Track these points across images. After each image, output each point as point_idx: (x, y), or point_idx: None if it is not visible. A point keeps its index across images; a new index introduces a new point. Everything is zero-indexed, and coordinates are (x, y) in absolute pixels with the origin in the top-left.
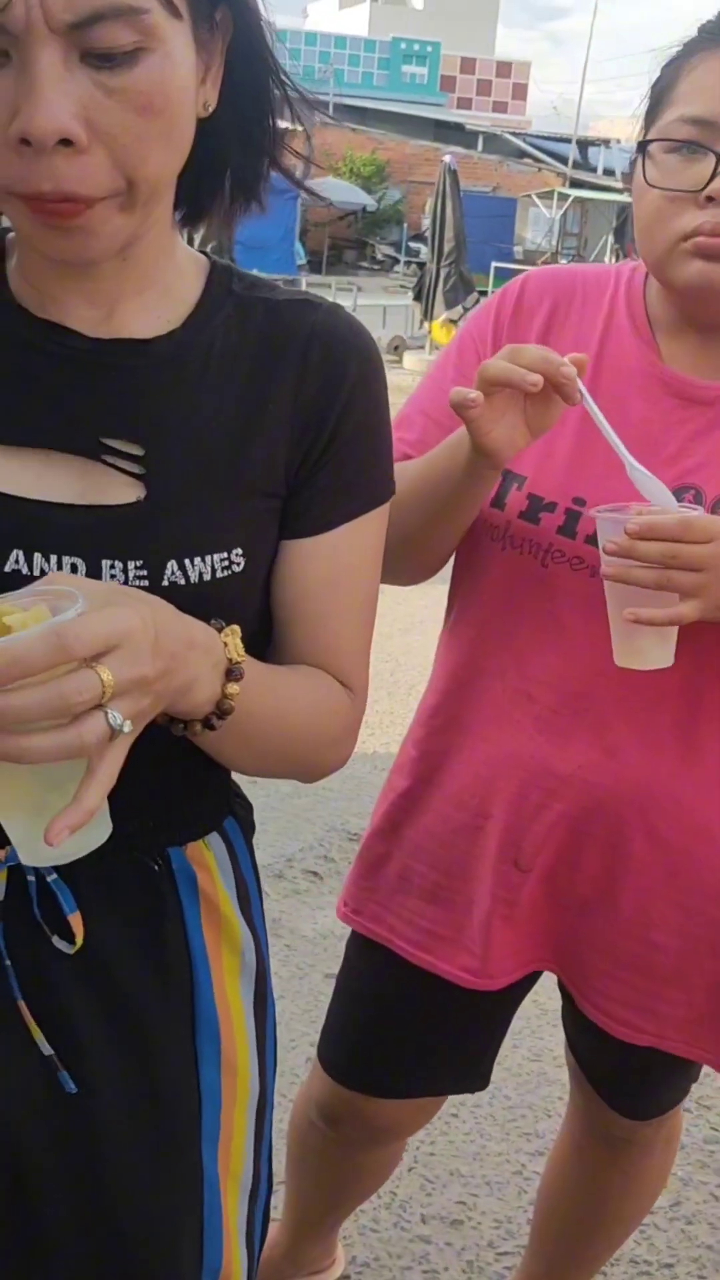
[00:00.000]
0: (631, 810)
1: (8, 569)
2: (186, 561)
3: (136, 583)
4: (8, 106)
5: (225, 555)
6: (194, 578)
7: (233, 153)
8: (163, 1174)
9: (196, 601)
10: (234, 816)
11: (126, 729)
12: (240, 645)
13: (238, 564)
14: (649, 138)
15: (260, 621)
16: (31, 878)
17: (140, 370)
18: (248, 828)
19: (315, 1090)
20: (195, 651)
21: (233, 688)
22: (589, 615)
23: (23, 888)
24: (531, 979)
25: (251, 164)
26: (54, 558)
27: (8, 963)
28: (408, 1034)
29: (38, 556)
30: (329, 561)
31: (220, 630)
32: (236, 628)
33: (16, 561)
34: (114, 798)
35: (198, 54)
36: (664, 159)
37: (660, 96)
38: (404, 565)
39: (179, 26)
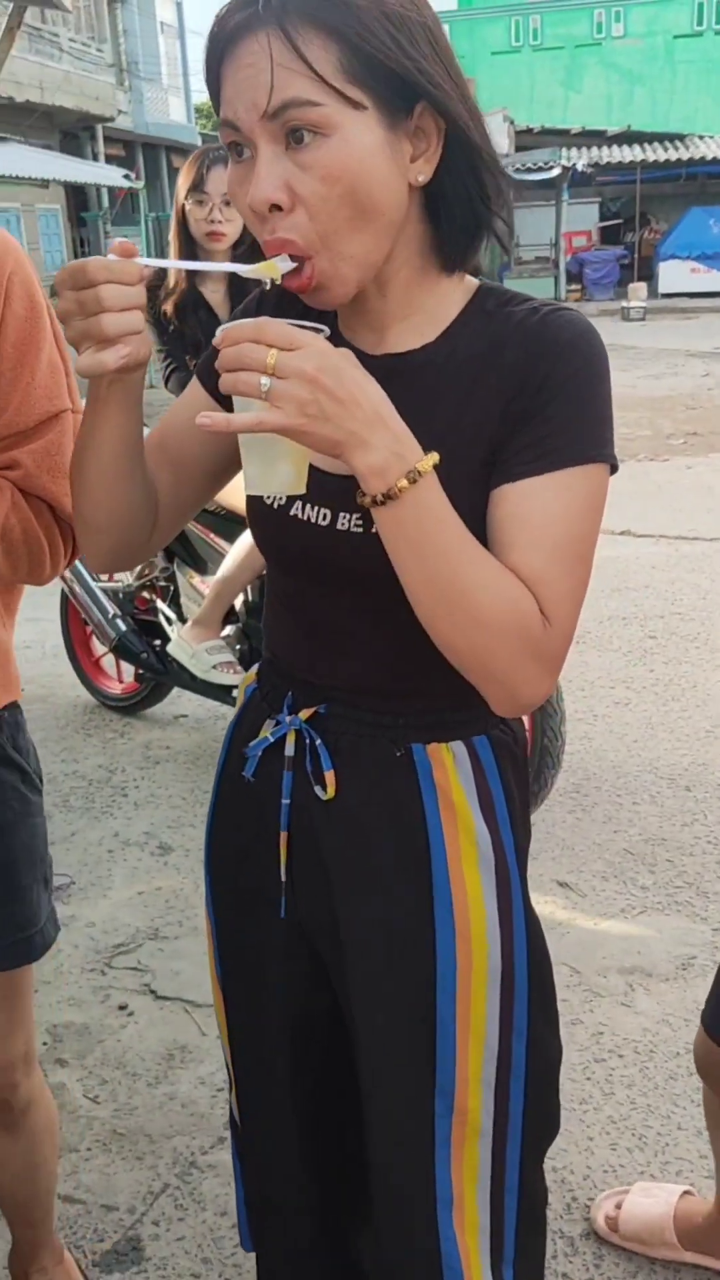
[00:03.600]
0: None
1: (291, 513)
2: None
3: (357, 519)
4: (247, 186)
5: None
6: None
7: (457, 212)
8: (396, 1007)
9: None
10: (489, 738)
11: (265, 386)
12: (431, 465)
13: None
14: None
15: None
16: (308, 741)
17: (396, 376)
18: (503, 751)
19: (695, 1046)
20: (381, 427)
21: (403, 482)
22: None
23: (300, 751)
24: None
25: (473, 223)
26: (316, 508)
27: (286, 801)
28: None
29: (307, 507)
30: (514, 505)
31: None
32: (436, 455)
33: (298, 510)
34: (376, 691)
35: (394, 139)
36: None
37: None
38: None
39: (360, 117)
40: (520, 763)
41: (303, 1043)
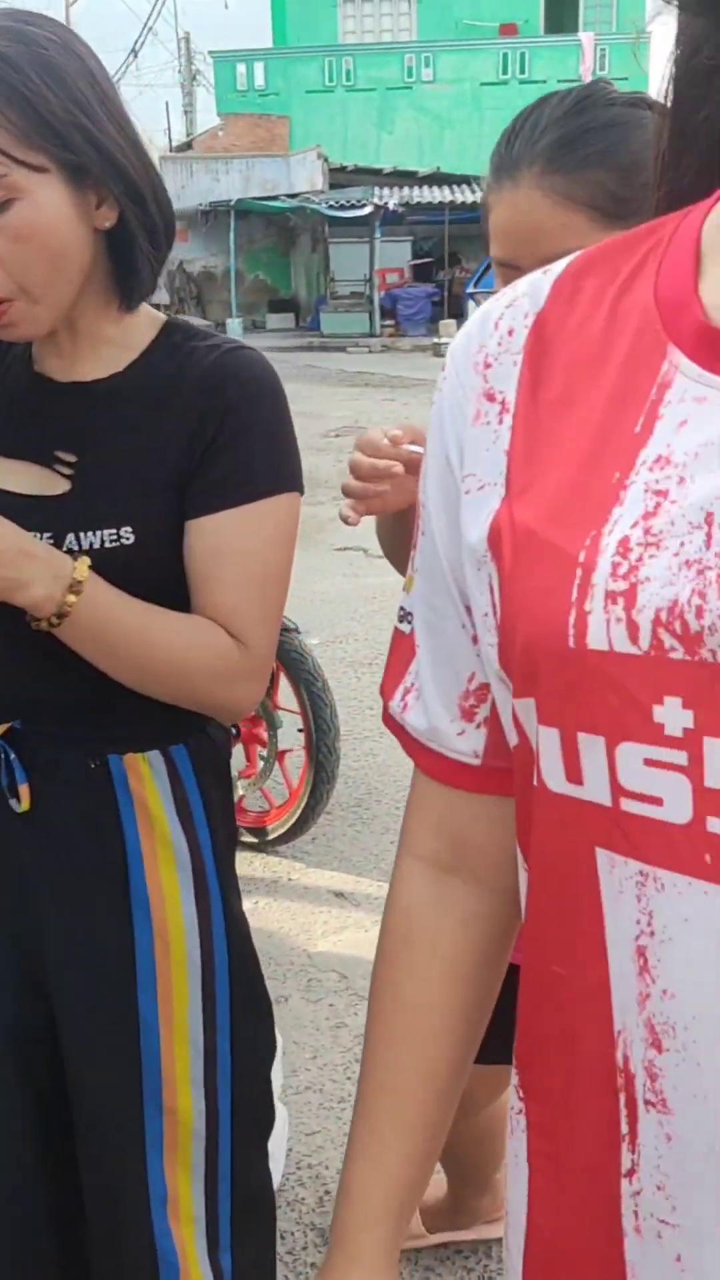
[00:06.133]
0: None
1: None
2: (81, 534)
3: (49, 538)
4: None
5: (115, 531)
6: (85, 546)
7: (138, 251)
8: (102, 1011)
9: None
10: (186, 747)
11: None
12: (86, 569)
13: (126, 538)
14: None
15: (166, 586)
16: (2, 756)
17: (84, 403)
18: (201, 758)
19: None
20: (31, 560)
21: (70, 598)
22: None
23: None
24: None
25: (150, 260)
26: None
27: None
28: None
29: None
30: (213, 538)
31: (74, 556)
32: (86, 558)
33: None
34: (71, 706)
35: (78, 193)
36: None
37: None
38: None
39: (44, 178)
40: (221, 768)
41: (24, 1055)
